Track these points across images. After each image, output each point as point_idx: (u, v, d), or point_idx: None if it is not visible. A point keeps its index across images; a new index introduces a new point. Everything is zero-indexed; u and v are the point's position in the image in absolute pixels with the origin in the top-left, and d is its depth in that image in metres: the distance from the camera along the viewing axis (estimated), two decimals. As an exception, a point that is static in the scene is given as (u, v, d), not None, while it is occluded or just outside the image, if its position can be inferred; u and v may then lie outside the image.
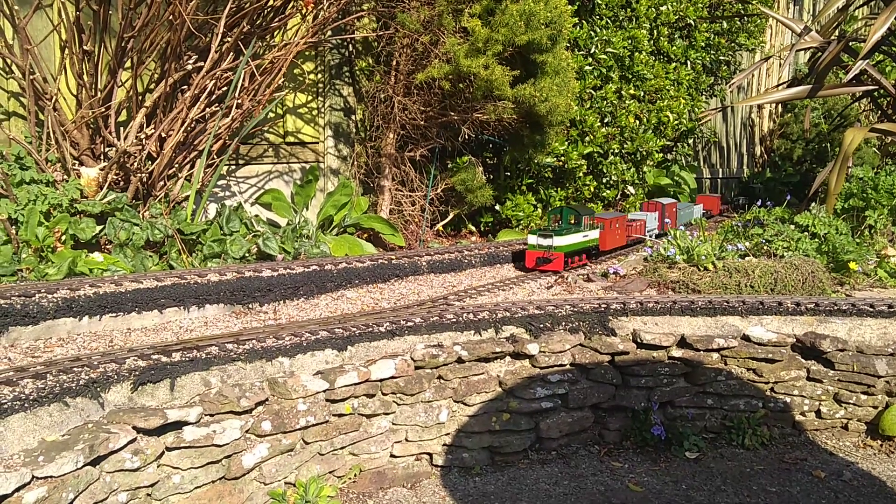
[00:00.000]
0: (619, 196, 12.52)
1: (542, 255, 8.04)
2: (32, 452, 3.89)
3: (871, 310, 6.78)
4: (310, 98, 9.80)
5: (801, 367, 6.56)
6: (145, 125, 7.74)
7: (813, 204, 10.47)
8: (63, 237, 6.79)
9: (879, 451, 6.39)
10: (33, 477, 3.73)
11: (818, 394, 6.56)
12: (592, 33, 11.19)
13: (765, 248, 8.48)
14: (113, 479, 4.15)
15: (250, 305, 6.53)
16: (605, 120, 11.42)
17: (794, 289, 7.46)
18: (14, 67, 7.29)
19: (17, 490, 3.65)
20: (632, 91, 11.59)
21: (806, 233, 8.83)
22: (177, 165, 8.09)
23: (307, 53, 9.49)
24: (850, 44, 11.67)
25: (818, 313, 6.77)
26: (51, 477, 3.79)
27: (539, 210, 11.02)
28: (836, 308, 6.79)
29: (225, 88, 8.13)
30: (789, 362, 6.53)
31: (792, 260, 7.76)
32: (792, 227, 9.01)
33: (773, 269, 7.54)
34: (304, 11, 8.66)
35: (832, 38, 11.62)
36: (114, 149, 7.52)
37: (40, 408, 4.10)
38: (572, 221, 8.44)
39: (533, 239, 8.08)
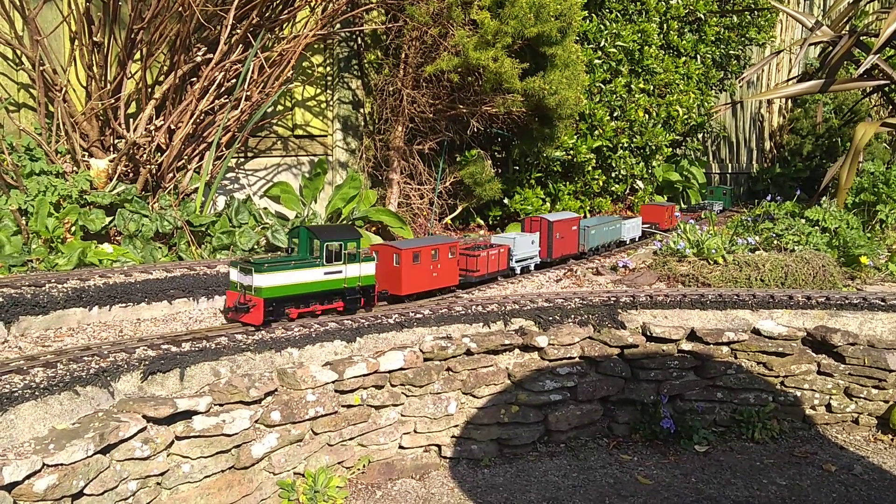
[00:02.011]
0: (627, 190, 12.48)
1: (241, 298, 5.35)
2: (43, 440, 3.90)
3: (883, 304, 6.74)
4: (318, 91, 9.78)
5: (812, 360, 6.53)
6: (154, 117, 7.74)
7: (823, 198, 10.42)
8: (73, 228, 6.80)
9: (890, 446, 6.36)
10: (44, 464, 3.74)
11: (829, 388, 6.53)
12: (602, 26, 11.14)
13: (775, 242, 8.44)
14: (123, 468, 4.16)
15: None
16: (615, 114, 11.38)
17: (805, 283, 7.42)
18: (24, 59, 7.29)
19: (28, 477, 3.66)
20: (641, 85, 11.53)
21: (816, 227, 8.78)
22: (186, 157, 8.09)
23: (316, 46, 9.48)
24: (862, 38, 11.58)
25: (829, 307, 6.73)
26: (61, 465, 3.80)
27: (548, 204, 10.99)
28: (847, 302, 6.76)
29: (234, 80, 8.12)
30: (800, 356, 6.50)
31: (802, 254, 7.72)
32: (802, 221, 8.97)
33: (783, 263, 7.50)
34: (313, 3, 8.64)
35: (843, 32, 11.54)
36: (123, 140, 7.52)
37: (51, 396, 4.11)
38: (316, 249, 5.71)
39: (234, 273, 5.43)
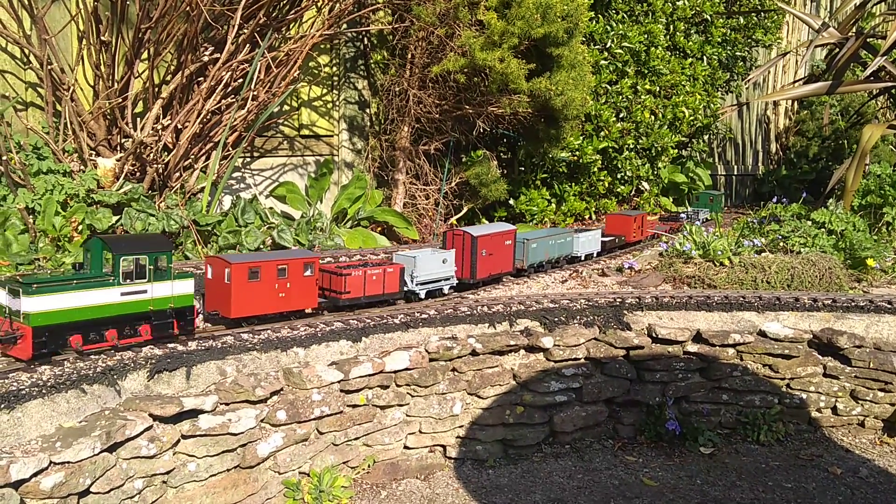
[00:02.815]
0: (633, 192, 12.46)
1: (8, 326, 4.39)
2: (50, 438, 3.91)
3: (890, 306, 6.73)
4: (325, 91, 9.80)
5: (818, 363, 6.52)
6: (161, 116, 7.76)
7: (829, 201, 10.40)
8: (79, 227, 6.81)
9: (896, 449, 6.34)
10: (51, 462, 3.75)
11: (834, 390, 6.51)
12: (608, 27, 11.14)
13: (781, 244, 8.42)
14: (129, 466, 4.17)
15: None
16: (621, 115, 11.37)
17: (811, 285, 7.41)
18: (32, 58, 7.32)
19: (35, 475, 3.67)
20: (647, 86, 11.53)
21: (823, 229, 8.76)
22: (192, 157, 8.11)
23: (322, 46, 9.49)
24: (869, 40, 11.56)
25: (835, 309, 6.72)
26: (68, 462, 3.81)
27: (553, 205, 10.99)
28: (853, 304, 6.74)
29: (241, 80, 8.14)
30: (806, 358, 6.48)
31: (809, 256, 7.71)
32: (809, 223, 8.95)
33: (789, 265, 7.49)
34: (319, 4, 8.66)
35: (850, 34, 11.51)
36: (130, 140, 7.54)
37: (58, 394, 4.12)
38: (111, 263, 4.68)
39: (2, 295, 4.45)
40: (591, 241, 8.48)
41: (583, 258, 8.35)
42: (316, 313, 5.86)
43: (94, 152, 7.57)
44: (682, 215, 11.65)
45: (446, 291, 6.64)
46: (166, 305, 4.80)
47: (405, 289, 6.30)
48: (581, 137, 10.82)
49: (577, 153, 10.80)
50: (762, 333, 6.52)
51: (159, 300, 4.77)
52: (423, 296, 6.43)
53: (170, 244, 4.83)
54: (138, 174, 7.74)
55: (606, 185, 11.60)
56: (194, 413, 4.52)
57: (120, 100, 7.55)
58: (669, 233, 10.13)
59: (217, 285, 5.29)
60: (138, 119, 7.80)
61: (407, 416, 5.59)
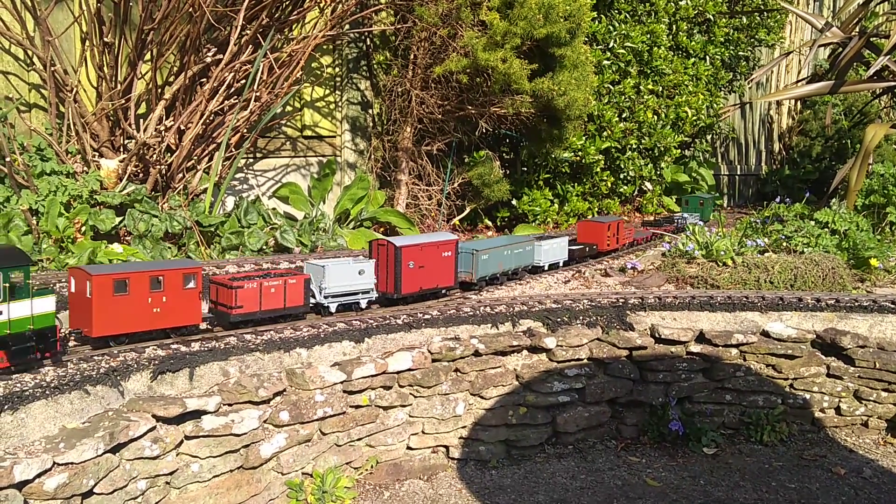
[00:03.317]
0: (636, 192, 12.45)
1: None
2: (53, 439, 3.92)
3: (893, 306, 6.71)
4: (327, 92, 9.81)
5: (821, 363, 6.51)
6: (164, 117, 7.77)
7: (833, 200, 10.38)
8: (83, 228, 6.83)
9: (900, 449, 6.33)
10: (54, 463, 3.76)
11: (838, 390, 6.50)
12: (611, 27, 11.13)
13: (784, 244, 8.41)
14: (133, 467, 4.18)
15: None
16: (623, 115, 11.36)
17: (815, 285, 7.39)
18: (35, 59, 7.33)
19: (39, 476, 3.68)
20: (650, 86, 11.52)
21: (826, 229, 8.75)
22: (195, 158, 8.12)
23: (325, 47, 9.50)
24: (872, 40, 11.54)
25: (839, 309, 6.71)
26: (71, 463, 3.81)
27: (556, 205, 10.98)
28: (856, 304, 6.73)
29: (243, 81, 8.15)
30: (809, 358, 6.48)
31: (812, 256, 7.70)
32: (812, 223, 8.93)
33: (792, 265, 7.48)
34: (322, 5, 8.66)
35: (853, 34, 11.50)
36: (133, 141, 7.55)
37: (61, 395, 4.12)
38: None
39: None
40: (555, 249, 7.79)
41: (546, 268, 7.71)
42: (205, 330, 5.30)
43: (97, 153, 7.59)
44: (668, 220, 11.03)
45: (363, 306, 6.01)
46: (25, 328, 4.14)
47: (312, 302, 5.71)
48: (584, 138, 10.82)
49: (580, 153, 10.79)
50: (765, 334, 6.51)
51: (17, 322, 4.11)
52: (333, 310, 5.83)
53: (27, 258, 4.22)
54: (141, 175, 7.76)
55: (609, 185, 11.59)
56: (197, 414, 4.52)
57: (123, 101, 7.56)
58: (650, 240, 9.63)
59: (80, 300, 4.67)
60: (141, 120, 7.81)
61: (410, 416, 5.59)
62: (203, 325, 5.31)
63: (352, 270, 5.89)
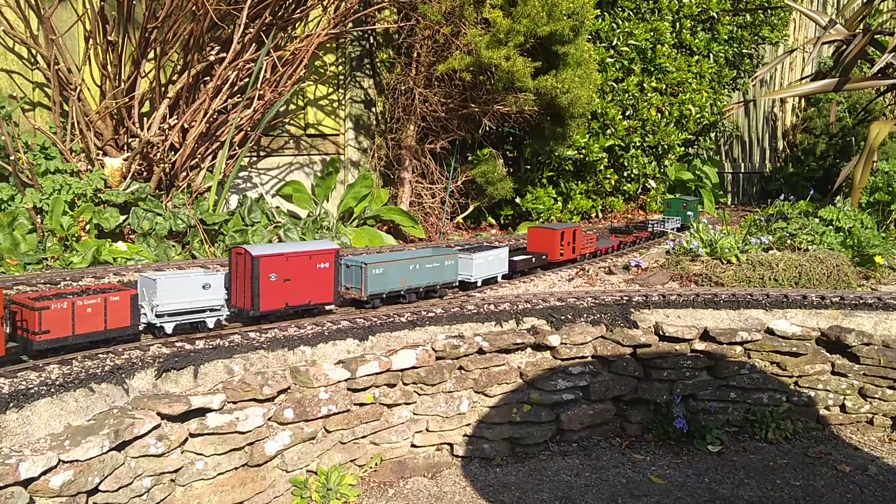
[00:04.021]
0: (640, 190, 12.43)
1: None
2: (59, 437, 3.92)
3: (898, 304, 6.69)
4: (330, 90, 9.81)
5: (826, 361, 6.49)
6: (168, 116, 7.78)
7: (837, 198, 10.35)
8: (87, 226, 6.84)
9: (905, 447, 6.32)
10: (59, 461, 3.77)
11: (843, 388, 6.49)
12: (614, 25, 11.12)
13: (789, 241, 8.39)
14: (138, 465, 4.18)
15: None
16: (627, 113, 11.35)
17: (819, 282, 7.38)
18: (39, 58, 7.35)
19: (44, 473, 3.68)
20: (654, 84, 11.50)
21: (830, 227, 8.72)
22: (199, 156, 8.13)
23: (328, 45, 9.50)
24: (876, 37, 11.50)
25: (843, 307, 6.69)
26: (77, 461, 3.82)
27: (559, 203, 10.97)
28: (861, 302, 6.72)
29: (247, 80, 8.15)
30: (814, 356, 6.46)
31: (816, 253, 7.68)
32: (816, 220, 8.91)
33: (797, 263, 7.46)
34: (325, 3, 8.66)
35: (857, 31, 11.46)
36: (137, 139, 7.56)
37: (66, 393, 4.13)
38: None
39: None
40: (491, 262, 6.94)
41: (479, 284, 6.84)
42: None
43: (101, 152, 7.60)
44: (641, 226, 10.24)
45: (210, 325, 5.14)
46: None
47: (144, 321, 4.89)
48: (587, 135, 10.80)
49: (584, 151, 10.78)
50: (770, 331, 6.50)
51: None
52: (169, 331, 4.95)
53: None
54: (145, 174, 7.77)
55: (613, 183, 11.57)
56: (202, 411, 4.53)
57: (127, 99, 7.57)
58: (617, 249, 8.77)
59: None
60: (145, 119, 7.82)
61: (414, 414, 5.59)
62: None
63: (193, 284, 5.03)
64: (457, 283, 6.65)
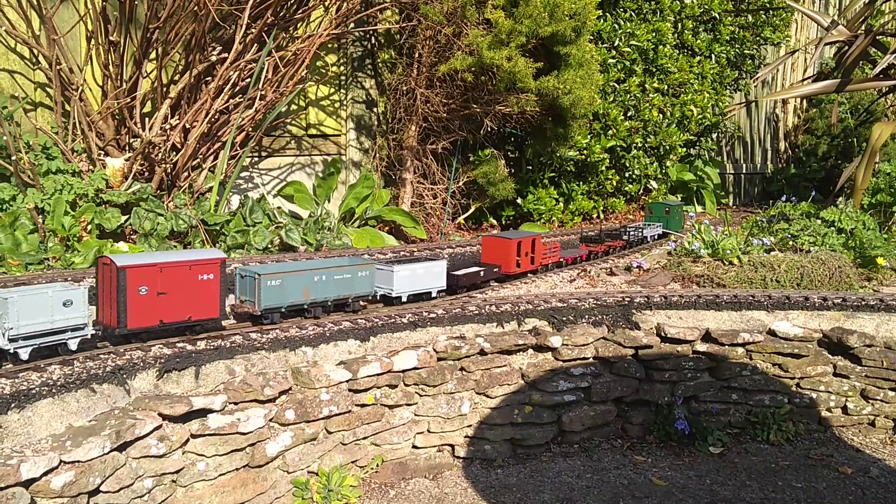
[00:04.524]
0: (641, 190, 12.43)
1: None
2: (60, 437, 3.92)
3: (900, 305, 6.69)
4: (332, 90, 9.81)
5: (828, 362, 6.49)
6: (170, 116, 7.78)
7: (839, 199, 10.35)
8: (89, 226, 6.83)
9: (907, 449, 6.31)
10: (61, 461, 3.76)
11: (845, 390, 6.48)
12: (616, 26, 11.11)
13: (790, 242, 8.39)
14: (139, 465, 4.18)
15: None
16: (629, 113, 11.34)
17: (821, 284, 7.37)
18: (41, 58, 7.34)
19: (46, 474, 3.68)
20: (655, 84, 11.49)
21: (832, 228, 8.72)
22: (200, 156, 8.12)
23: (330, 45, 9.50)
24: (878, 38, 11.49)
25: (845, 308, 6.69)
26: (78, 462, 3.81)
27: (561, 204, 10.97)
28: (863, 303, 6.71)
29: (248, 80, 8.15)
30: (815, 358, 6.45)
31: (818, 255, 7.67)
32: (818, 222, 8.91)
33: (799, 264, 7.46)
34: (327, 3, 8.66)
35: (859, 32, 11.45)
36: (139, 139, 7.56)
37: (67, 394, 4.13)
38: None
39: None
40: (421, 275, 6.31)
41: (404, 300, 6.25)
42: None
43: (102, 152, 7.60)
44: (614, 234, 9.42)
45: (73, 347, 4.48)
46: None
47: None
48: (589, 136, 10.80)
49: (585, 152, 10.77)
50: (772, 333, 6.49)
51: None
52: (25, 357, 4.28)
53: None
54: (147, 174, 7.76)
55: (614, 183, 11.57)
56: (203, 412, 4.52)
57: (128, 100, 7.57)
58: (585, 259, 8.29)
59: None
60: (147, 119, 7.82)
61: (415, 415, 5.59)
62: None
63: (52, 302, 4.35)
64: (372, 296, 6.10)
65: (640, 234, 9.23)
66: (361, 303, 6.07)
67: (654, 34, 11.30)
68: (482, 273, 6.92)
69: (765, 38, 13.70)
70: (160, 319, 4.82)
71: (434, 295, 6.42)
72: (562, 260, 7.95)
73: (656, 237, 9.49)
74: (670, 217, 10.01)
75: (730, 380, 6.37)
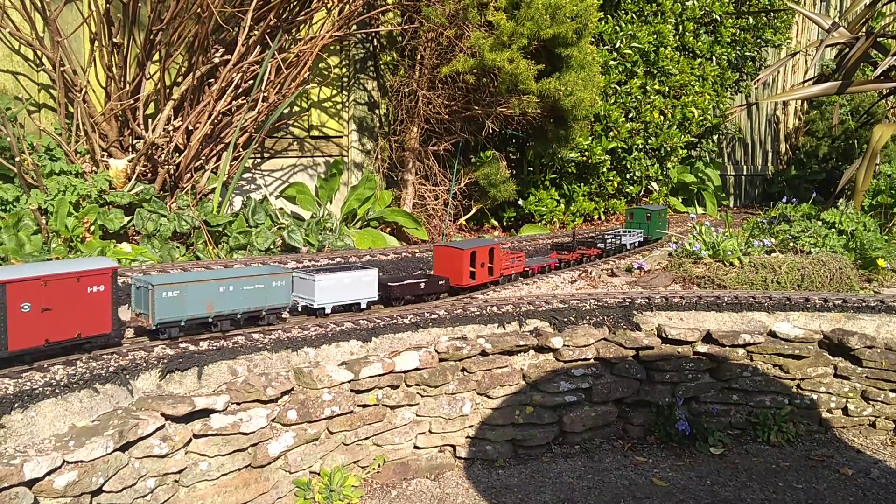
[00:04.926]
0: (642, 192, 12.45)
1: None
2: (63, 437, 3.94)
3: (901, 307, 6.70)
4: (334, 92, 9.83)
5: (829, 363, 6.50)
6: (173, 118, 7.80)
7: (840, 201, 10.36)
8: (92, 227, 6.86)
9: (908, 450, 6.32)
10: (64, 461, 3.78)
11: (845, 391, 6.49)
12: (618, 28, 11.13)
13: (791, 244, 8.40)
14: (142, 465, 4.20)
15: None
16: (630, 115, 11.36)
17: (822, 285, 7.39)
18: (45, 60, 7.37)
19: (49, 474, 3.70)
20: (656, 86, 11.51)
21: (833, 229, 8.73)
22: (203, 158, 8.15)
23: (332, 47, 9.52)
24: (879, 40, 11.51)
25: (846, 310, 6.70)
26: (81, 461, 3.83)
27: (562, 206, 10.99)
28: (864, 305, 6.72)
29: (251, 82, 8.18)
30: (816, 359, 6.47)
31: (819, 256, 7.68)
32: (819, 223, 8.92)
33: (799, 265, 7.47)
34: (329, 5, 8.69)
35: (860, 34, 11.47)
36: (142, 141, 7.59)
37: (71, 394, 4.15)
38: None
39: None
40: (348, 286, 5.81)
41: (327, 311, 5.74)
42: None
43: (106, 153, 7.62)
44: (588, 241, 8.71)
45: None
46: None
47: None
48: (590, 138, 10.82)
49: (587, 153, 10.79)
50: (772, 334, 6.50)
51: None
52: None
53: None
54: (150, 175, 7.79)
55: (615, 185, 11.59)
56: (206, 412, 4.54)
57: (131, 101, 7.60)
58: (554, 269, 7.80)
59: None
60: (150, 120, 7.85)
61: (417, 415, 5.61)
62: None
63: None
64: (290, 307, 5.58)
65: (617, 241, 8.72)
66: (284, 315, 5.63)
67: (655, 36, 11.33)
68: (423, 285, 6.33)
69: (766, 40, 13.72)
70: (45, 339, 4.32)
71: (364, 306, 5.96)
72: (527, 269, 7.47)
73: (636, 245, 9.01)
74: (652, 223, 9.39)
75: (730, 381, 6.39)
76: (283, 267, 5.85)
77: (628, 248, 8.81)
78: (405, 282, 6.25)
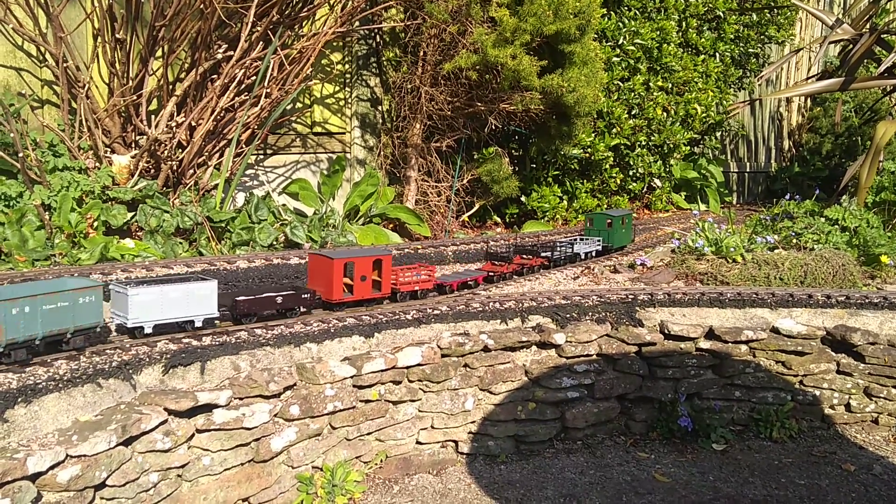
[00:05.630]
0: (645, 189, 12.44)
1: None
2: (66, 432, 3.95)
3: (904, 303, 6.69)
4: (337, 88, 9.83)
5: (831, 360, 6.50)
6: (175, 114, 7.81)
7: (843, 197, 10.34)
8: (95, 223, 6.87)
9: (910, 446, 6.32)
10: (67, 455, 3.79)
11: (848, 387, 6.49)
12: (621, 24, 11.12)
13: (794, 240, 8.39)
14: (144, 460, 4.21)
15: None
16: (633, 112, 11.35)
17: (825, 281, 7.38)
18: (48, 56, 7.38)
19: (52, 468, 3.71)
20: (660, 83, 11.50)
21: (836, 226, 8.72)
22: (206, 154, 8.16)
23: (335, 44, 9.52)
24: (883, 36, 11.48)
25: (849, 306, 6.69)
26: (84, 456, 3.84)
27: (565, 202, 10.98)
28: (867, 301, 6.72)
29: (254, 78, 8.18)
30: (819, 355, 6.46)
31: (822, 253, 7.67)
32: (822, 220, 8.91)
33: (802, 262, 7.46)
34: (332, 1, 8.69)
35: (863, 30, 11.44)
36: (145, 137, 7.60)
37: (74, 388, 4.16)
38: None
39: None
40: (176, 300, 4.90)
41: (147, 331, 4.80)
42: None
43: (109, 149, 7.63)
44: (538, 248, 7.75)
45: None
46: None
47: None
48: (593, 134, 10.81)
49: (589, 150, 10.78)
50: (775, 330, 6.50)
51: None
52: None
53: None
54: (153, 171, 7.80)
55: (618, 182, 11.58)
56: (209, 407, 4.55)
57: (134, 97, 7.61)
58: (481, 283, 6.98)
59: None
60: (153, 116, 7.85)
61: (419, 411, 5.61)
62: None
63: None
64: (103, 328, 4.63)
65: (569, 250, 7.89)
66: (97, 331, 4.57)
67: (658, 32, 11.31)
68: (281, 299, 5.47)
69: (769, 36, 13.69)
70: None
71: (198, 324, 5.03)
72: (443, 284, 6.63)
73: (593, 255, 8.24)
74: (613, 230, 8.44)
75: (733, 377, 6.38)
76: (92, 280, 4.87)
77: (583, 257, 8.09)
78: (259, 296, 5.40)
